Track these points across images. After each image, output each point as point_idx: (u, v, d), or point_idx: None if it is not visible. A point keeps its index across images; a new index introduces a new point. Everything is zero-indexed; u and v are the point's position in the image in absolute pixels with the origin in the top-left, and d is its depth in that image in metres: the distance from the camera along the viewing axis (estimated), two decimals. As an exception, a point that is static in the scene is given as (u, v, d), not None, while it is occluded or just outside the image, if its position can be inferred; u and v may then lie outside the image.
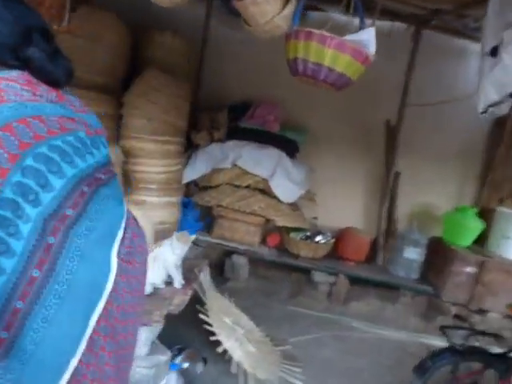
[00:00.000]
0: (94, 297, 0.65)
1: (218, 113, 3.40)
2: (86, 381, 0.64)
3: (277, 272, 3.36)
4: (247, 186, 3.32)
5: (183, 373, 2.03)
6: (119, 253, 0.70)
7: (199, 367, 2.11)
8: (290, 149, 3.45)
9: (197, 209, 3.45)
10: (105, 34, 2.67)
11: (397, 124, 3.58)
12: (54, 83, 0.71)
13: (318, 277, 3.32)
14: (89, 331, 0.64)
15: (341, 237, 3.57)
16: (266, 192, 3.31)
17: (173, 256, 1.88)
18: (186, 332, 2.22)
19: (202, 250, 3.18)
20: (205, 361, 2.07)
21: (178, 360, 2.08)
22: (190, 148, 3.40)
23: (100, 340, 0.66)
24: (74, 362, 0.62)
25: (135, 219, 0.78)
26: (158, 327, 1.71)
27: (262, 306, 2.89)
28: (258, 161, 3.25)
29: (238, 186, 3.32)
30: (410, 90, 3.51)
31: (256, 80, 3.57)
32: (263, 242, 3.42)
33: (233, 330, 2.09)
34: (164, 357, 1.77)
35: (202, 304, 2.03)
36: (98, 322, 0.65)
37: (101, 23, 2.65)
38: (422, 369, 1.95)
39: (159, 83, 2.73)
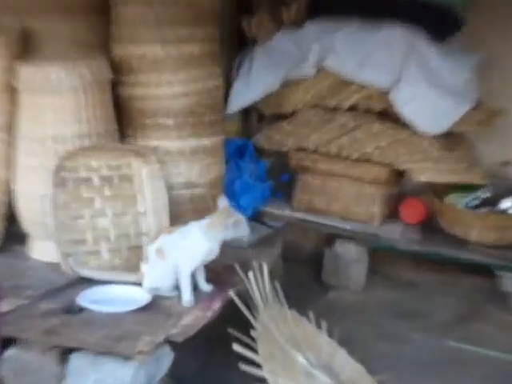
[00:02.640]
0: None
1: None
2: None
3: (424, 273, 3.04)
4: (351, 109, 2.98)
5: None
6: None
7: None
8: (437, 24, 2.91)
9: (261, 158, 3.12)
10: None
11: None
12: None
13: None
14: None
15: None
16: (389, 116, 2.93)
17: (190, 257, 1.86)
18: (214, 374, 2.11)
19: (273, 233, 2.81)
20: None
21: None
22: (238, 48, 3.19)
23: None
24: None
25: None
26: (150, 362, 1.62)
27: (393, 337, 2.51)
28: (368, 56, 2.90)
29: (333, 110, 3.00)
30: None
31: None
32: (392, 215, 2.99)
33: (310, 377, 1.86)
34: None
35: (248, 327, 1.85)
36: None
37: None
38: None
39: None
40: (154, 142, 2.37)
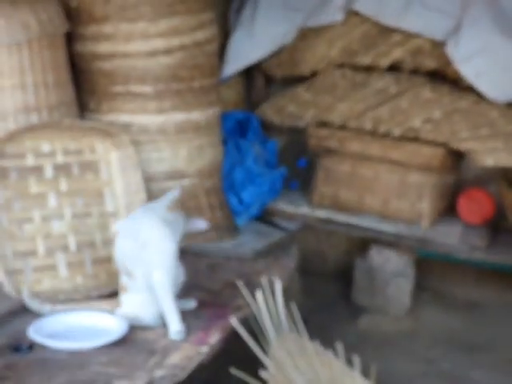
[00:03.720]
0: None
1: None
2: None
3: (490, 291, 3.04)
4: (392, 68, 3.02)
5: None
6: None
7: None
8: None
9: (270, 137, 3.14)
10: None
11: None
12: None
13: None
14: None
15: None
16: (445, 77, 2.97)
17: (168, 257, 1.91)
18: None
19: (286, 238, 2.84)
20: None
21: None
22: None
23: None
24: None
25: None
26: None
27: (450, 377, 2.53)
28: None
29: (368, 70, 3.04)
30: None
31: None
32: (447, 212, 2.98)
33: None
34: None
35: (257, 365, 1.87)
36: None
37: None
38: None
39: None
40: (125, 117, 2.41)
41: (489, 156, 2.74)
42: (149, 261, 1.85)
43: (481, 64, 2.78)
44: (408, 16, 2.88)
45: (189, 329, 1.84)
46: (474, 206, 2.87)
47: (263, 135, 3.10)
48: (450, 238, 2.79)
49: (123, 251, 1.92)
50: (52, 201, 2.00)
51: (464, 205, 2.90)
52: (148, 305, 1.87)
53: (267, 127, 3.12)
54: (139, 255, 1.86)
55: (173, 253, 1.88)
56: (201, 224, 2.02)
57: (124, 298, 1.87)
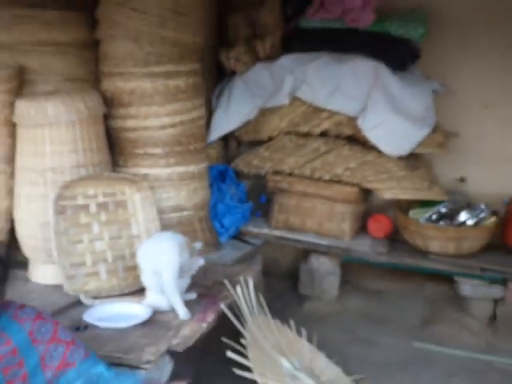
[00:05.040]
0: None
1: (261, 9, 3.00)
2: None
3: (391, 282, 3.04)
4: (322, 134, 2.95)
5: None
6: None
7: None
8: (398, 56, 2.91)
9: (241, 181, 3.08)
10: None
11: None
12: None
13: (469, 289, 2.76)
14: None
15: (513, 212, 2.87)
16: (357, 140, 2.92)
17: (173, 266, 1.84)
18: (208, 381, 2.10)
19: (253, 250, 2.79)
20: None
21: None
22: (217, 79, 3.13)
23: None
24: None
25: None
26: (154, 370, 1.62)
27: (365, 341, 2.56)
28: (337, 86, 2.85)
29: (306, 136, 2.96)
30: None
31: None
32: (360, 230, 3.01)
33: (294, 379, 1.94)
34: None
35: (239, 336, 1.90)
36: None
37: None
38: None
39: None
40: (144, 170, 2.37)
41: (387, 192, 2.78)
42: (161, 267, 1.85)
43: (380, 132, 2.79)
44: (332, 100, 2.87)
45: (192, 312, 1.86)
46: (379, 226, 2.91)
47: (237, 180, 3.07)
48: (364, 247, 2.81)
49: (146, 259, 1.89)
50: (95, 228, 2.01)
51: (372, 225, 2.92)
52: (163, 297, 1.87)
53: (239, 175, 3.10)
54: (151, 248, 1.87)
55: (177, 262, 1.85)
56: (198, 246, 1.97)
57: (147, 292, 1.88)
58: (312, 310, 2.78)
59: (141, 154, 2.38)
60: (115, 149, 2.37)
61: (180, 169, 2.43)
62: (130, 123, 2.36)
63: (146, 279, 1.88)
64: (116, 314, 1.80)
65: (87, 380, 1.30)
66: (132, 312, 1.80)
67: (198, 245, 1.94)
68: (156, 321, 1.81)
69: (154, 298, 1.86)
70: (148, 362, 1.57)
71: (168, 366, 1.69)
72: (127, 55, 2.30)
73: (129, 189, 2.08)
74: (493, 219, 2.80)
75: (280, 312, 2.32)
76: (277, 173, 2.91)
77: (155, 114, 2.34)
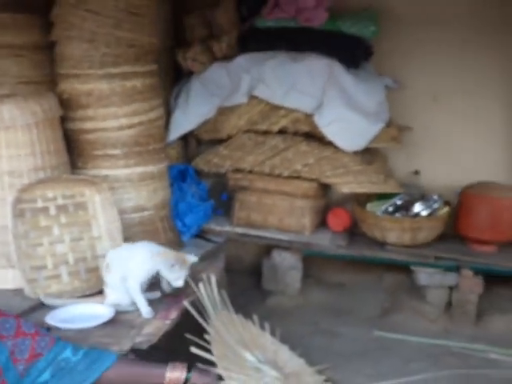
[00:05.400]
0: None
1: (216, 10, 2.97)
2: None
3: (351, 274, 3.07)
4: (280, 132, 2.96)
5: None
6: None
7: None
8: (351, 53, 2.92)
9: (202, 180, 3.07)
10: None
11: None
12: None
13: (425, 277, 2.80)
14: None
15: (464, 202, 2.93)
16: (314, 137, 2.92)
17: (135, 272, 1.83)
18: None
19: (216, 247, 2.80)
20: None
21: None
22: (175, 79, 3.14)
23: None
24: None
25: None
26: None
27: (327, 333, 2.60)
28: (293, 84, 2.85)
29: (264, 133, 2.96)
30: None
31: None
32: (320, 224, 3.02)
33: (258, 371, 1.90)
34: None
35: (203, 332, 1.84)
36: None
37: None
38: None
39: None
40: (104, 171, 2.35)
41: (345, 186, 2.80)
42: (128, 265, 1.84)
43: (336, 128, 2.79)
44: (289, 98, 2.87)
45: (156, 310, 1.84)
46: (338, 220, 2.95)
47: (197, 179, 3.05)
48: (324, 241, 2.83)
49: (115, 253, 1.88)
50: (56, 230, 1.99)
51: (331, 219, 2.94)
52: (124, 296, 1.86)
53: (200, 174, 3.08)
54: (123, 258, 1.85)
55: (144, 270, 1.84)
56: (193, 259, 1.94)
57: (107, 290, 1.84)
58: (275, 304, 2.79)
59: (100, 155, 2.35)
60: (74, 151, 2.34)
61: (139, 169, 2.42)
62: (88, 125, 2.33)
63: (112, 279, 1.86)
64: (79, 315, 1.78)
65: (56, 367, 1.35)
66: (95, 312, 1.78)
67: (193, 258, 1.91)
68: (119, 320, 1.80)
69: (116, 296, 1.84)
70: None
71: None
72: (83, 57, 2.27)
73: (89, 190, 2.06)
74: (446, 209, 2.86)
75: (243, 307, 2.31)
76: (237, 171, 2.91)
77: (113, 115, 2.32)
